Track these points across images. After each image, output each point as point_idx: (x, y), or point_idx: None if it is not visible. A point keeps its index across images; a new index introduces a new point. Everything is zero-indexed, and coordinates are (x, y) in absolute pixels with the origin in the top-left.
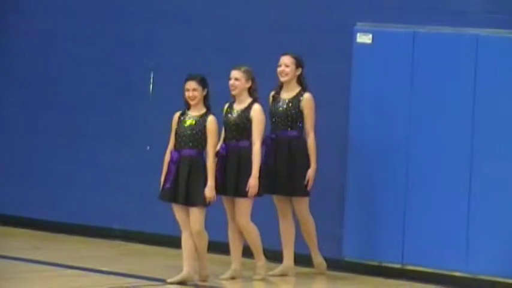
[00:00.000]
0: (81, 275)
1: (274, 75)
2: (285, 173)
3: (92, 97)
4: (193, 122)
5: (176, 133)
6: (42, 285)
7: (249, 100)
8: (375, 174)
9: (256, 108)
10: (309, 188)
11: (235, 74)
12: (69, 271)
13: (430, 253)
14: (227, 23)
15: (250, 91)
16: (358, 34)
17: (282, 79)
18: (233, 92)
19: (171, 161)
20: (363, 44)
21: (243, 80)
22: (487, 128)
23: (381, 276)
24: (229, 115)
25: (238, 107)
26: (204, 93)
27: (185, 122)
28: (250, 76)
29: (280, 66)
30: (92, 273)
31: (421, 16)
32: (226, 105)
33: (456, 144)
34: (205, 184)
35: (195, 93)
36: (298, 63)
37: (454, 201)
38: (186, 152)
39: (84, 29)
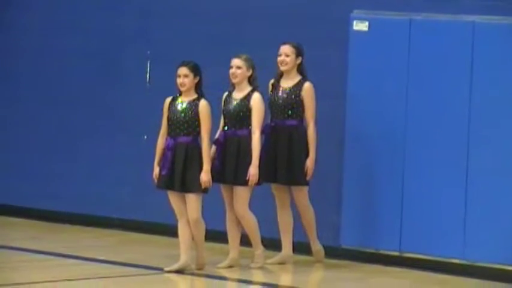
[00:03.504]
0: (79, 265)
1: (271, 64)
2: (284, 162)
3: (89, 88)
4: (185, 109)
5: (169, 119)
6: (41, 275)
7: (249, 89)
8: (372, 162)
9: (256, 97)
10: (308, 177)
11: (236, 62)
12: (68, 260)
13: (427, 240)
14: (224, 12)
15: (251, 80)
16: (355, 22)
17: (282, 68)
18: (234, 81)
19: (167, 147)
20: (360, 32)
21: (244, 69)
22: (483, 115)
23: (379, 264)
24: (228, 104)
25: (237, 96)
26: (196, 80)
27: (177, 109)
28: (251, 64)
29: (281, 55)
30: (90, 263)
31: (417, 3)
32: (225, 94)
33: (453, 131)
34: (201, 170)
35: (186, 79)
36: (298, 52)
37: (451, 189)
38: (181, 139)
39: (80, 21)
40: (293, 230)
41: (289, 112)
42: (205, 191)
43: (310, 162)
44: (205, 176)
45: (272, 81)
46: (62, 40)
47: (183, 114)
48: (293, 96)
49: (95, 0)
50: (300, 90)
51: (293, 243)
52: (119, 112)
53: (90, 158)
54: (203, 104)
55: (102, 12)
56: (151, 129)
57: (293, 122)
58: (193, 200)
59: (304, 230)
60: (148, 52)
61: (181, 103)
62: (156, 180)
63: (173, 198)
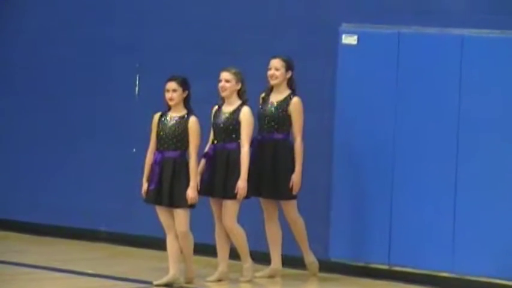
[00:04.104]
0: (68, 278)
1: (260, 77)
2: (269, 176)
3: (77, 99)
4: (174, 124)
5: (158, 135)
6: None
7: (238, 102)
8: (361, 175)
9: (245, 111)
10: (294, 192)
11: (225, 75)
12: (56, 274)
13: (417, 254)
14: (213, 24)
15: (240, 93)
16: (344, 35)
17: (272, 82)
18: (223, 94)
19: (154, 162)
20: (348, 45)
21: (233, 82)
22: (472, 128)
23: (368, 277)
24: (218, 117)
25: (227, 109)
26: (185, 95)
27: (166, 124)
28: (240, 78)
29: (270, 69)
30: (78, 276)
31: (406, 16)
32: (215, 108)
33: (442, 144)
34: (188, 185)
35: (174, 94)
36: (288, 66)
37: (440, 202)
38: (169, 153)
39: (71, 32)
40: (282, 243)
41: (276, 126)
42: (191, 206)
43: (296, 177)
44: (191, 193)
45: (262, 94)
46: (51, 49)
47: (172, 129)
48: (280, 111)
49: (84, 11)
50: (288, 104)
51: (282, 256)
52: (107, 124)
53: (78, 171)
54: (192, 120)
55: (91, 24)
56: (140, 141)
57: (280, 136)
58: (181, 215)
59: (296, 243)
60: (137, 65)
61: (171, 119)
62: (144, 196)
63: (161, 212)
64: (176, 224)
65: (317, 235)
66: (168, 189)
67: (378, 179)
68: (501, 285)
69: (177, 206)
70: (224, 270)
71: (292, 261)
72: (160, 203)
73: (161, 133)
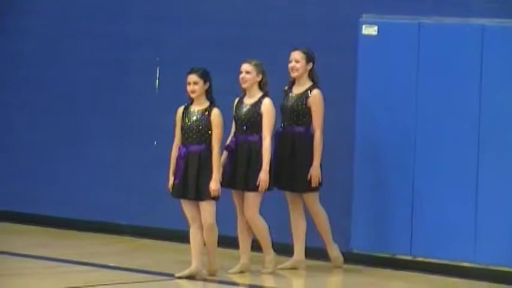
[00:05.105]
0: (89, 271)
1: (280, 70)
2: (289, 169)
3: (99, 93)
4: (198, 117)
5: (182, 128)
6: (52, 282)
7: (260, 94)
8: (382, 166)
9: (267, 103)
10: (313, 185)
11: (246, 67)
12: (78, 267)
13: (438, 244)
14: (233, 17)
15: (261, 85)
16: (364, 26)
17: (293, 75)
18: (244, 85)
19: (179, 156)
20: (369, 36)
21: (254, 74)
22: (493, 119)
23: (390, 268)
24: (239, 109)
25: (248, 101)
26: (206, 86)
27: (190, 118)
28: (261, 70)
29: (291, 62)
30: (100, 269)
31: (426, 7)
32: (237, 100)
33: (463, 135)
34: None
35: (196, 86)
36: (309, 58)
37: (461, 192)
38: (194, 147)
39: (89, 27)
40: (306, 235)
41: (296, 119)
42: (215, 198)
43: (313, 170)
44: (214, 185)
45: (286, 87)
46: (70, 45)
47: (196, 123)
48: (300, 103)
49: (102, 5)
50: (307, 97)
51: (305, 248)
52: (128, 118)
53: (100, 164)
54: (215, 112)
55: (110, 18)
56: (161, 135)
57: (299, 129)
58: (207, 207)
59: (319, 236)
60: (158, 58)
61: (194, 112)
62: (170, 190)
63: (186, 205)
64: (202, 217)
65: (339, 227)
66: (193, 182)
67: (399, 170)
68: None
69: (203, 199)
70: (246, 262)
71: (315, 252)
72: (186, 196)
73: (185, 127)
